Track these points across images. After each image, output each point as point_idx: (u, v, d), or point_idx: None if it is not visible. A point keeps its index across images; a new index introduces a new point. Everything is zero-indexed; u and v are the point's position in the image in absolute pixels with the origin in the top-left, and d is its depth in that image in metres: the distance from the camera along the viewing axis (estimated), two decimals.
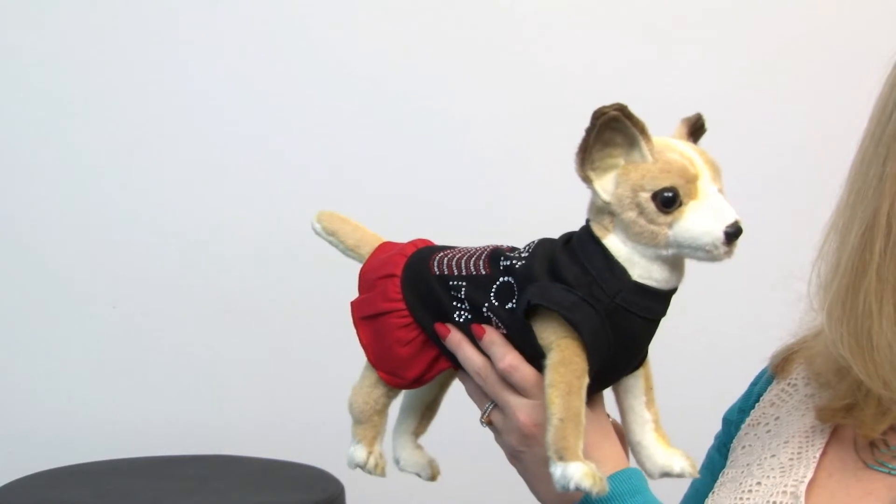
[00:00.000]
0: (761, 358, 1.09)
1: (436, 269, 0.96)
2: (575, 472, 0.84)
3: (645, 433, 0.94)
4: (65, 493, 1.73)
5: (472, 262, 0.94)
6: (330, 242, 1.07)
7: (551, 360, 0.87)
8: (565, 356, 0.87)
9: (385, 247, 1.03)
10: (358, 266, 1.04)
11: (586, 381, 0.87)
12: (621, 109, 0.85)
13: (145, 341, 2.09)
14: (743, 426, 1.08)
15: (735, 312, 2.04)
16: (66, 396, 2.08)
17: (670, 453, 0.94)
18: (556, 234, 0.94)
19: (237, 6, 2.06)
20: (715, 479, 1.06)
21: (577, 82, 2.05)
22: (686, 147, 0.88)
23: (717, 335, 2.04)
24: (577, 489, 0.84)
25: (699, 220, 0.85)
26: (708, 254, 0.85)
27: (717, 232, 0.85)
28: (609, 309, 0.87)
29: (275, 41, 2.07)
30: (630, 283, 0.87)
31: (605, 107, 0.85)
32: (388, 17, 2.07)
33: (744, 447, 1.05)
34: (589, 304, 0.87)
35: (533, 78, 2.07)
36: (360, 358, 1.02)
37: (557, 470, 0.85)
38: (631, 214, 0.86)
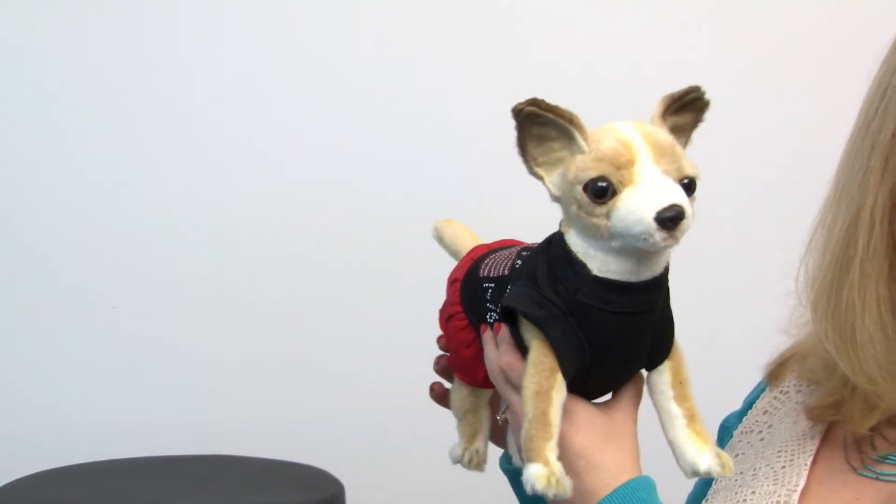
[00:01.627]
0: (763, 363, 1.08)
1: (482, 272, 0.96)
2: (531, 473, 0.82)
3: (676, 430, 0.88)
4: (65, 493, 1.73)
5: (504, 264, 0.94)
6: (445, 250, 1.07)
7: (527, 362, 0.86)
8: (535, 356, 0.85)
9: (473, 250, 1.03)
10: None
11: (557, 380, 0.84)
12: (535, 104, 0.81)
13: (145, 341, 2.09)
14: (735, 433, 1.07)
15: (737, 314, 2.04)
16: (67, 396, 2.08)
17: (699, 450, 0.87)
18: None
19: (238, 8, 2.06)
20: (709, 485, 1.05)
21: (578, 82, 2.05)
22: (629, 131, 0.82)
23: (721, 336, 2.04)
24: (534, 491, 0.81)
25: (630, 207, 0.80)
26: (645, 243, 0.80)
27: (648, 219, 0.79)
28: (571, 306, 0.84)
29: (277, 42, 2.06)
30: (590, 277, 0.84)
31: (519, 103, 0.82)
32: (388, 18, 2.07)
33: (737, 455, 1.04)
34: (551, 302, 0.85)
35: (532, 79, 2.07)
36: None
37: (523, 472, 0.83)
38: (573, 209, 0.83)
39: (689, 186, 0.81)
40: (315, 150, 2.08)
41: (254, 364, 2.10)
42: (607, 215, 0.81)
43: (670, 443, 0.89)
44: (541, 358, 0.85)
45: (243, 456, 1.92)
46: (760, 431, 1.04)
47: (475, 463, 1.01)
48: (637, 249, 0.82)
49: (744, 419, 1.07)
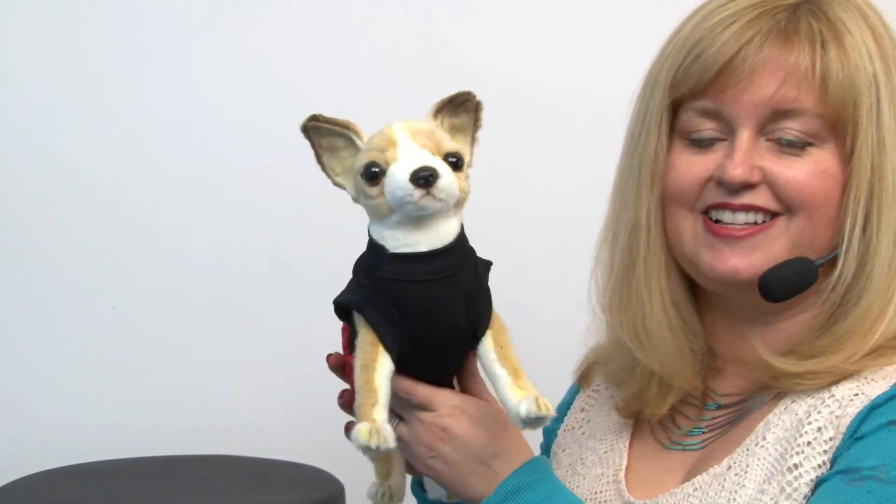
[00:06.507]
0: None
1: None
2: (356, 432, 0.92)
3: (502, 388, 0.97)
4: (65, 493, 1.73)
5: None
6: None
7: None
8: (361, 336, 0.96)
9: None
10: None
11: (379, 352, 0.95)
12: (315, 119, 0.96)
13: (145, 342, 2.09)
14: (559, 432, 1.23)
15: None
16: (67, 396, 2.08)
17: (519, 399, 0.95)
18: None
19: (237, 11, 2.07)
20: None
21: (580, 84, 2.05)
22: (396, 124, 0.95)
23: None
24: (359, 446, 0.92)
25: (393, 176, 0.92)
26: (410, 205, 0.92)
27: (404, 181, 0.91)
28: (379, 284, 0.95)
29: (273, 46, 2.07)
30: (388, 255, 0.95)
31: (303, 121, 0.96)
32: (385, 23, 2.07)
33: (564, 450, 1.21)
34: (363, 286, 0.96)
35: (530, 82, 2.07)
36: None
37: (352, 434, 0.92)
38: (361, 199, 0.97)
39: (456, 163, 0.94)
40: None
41: (254, 364, 2.10)
42: (382, 193, 0.93)
43: (500, 401, 0.98)
44: (364, 335, 0.96)
45: (243, 456, 1.92)
46: (581, 427, 1.21)
47: (388, 497, 1.08)
48: (416, 219, 0.93)
49: (565, 419, 1.23)
